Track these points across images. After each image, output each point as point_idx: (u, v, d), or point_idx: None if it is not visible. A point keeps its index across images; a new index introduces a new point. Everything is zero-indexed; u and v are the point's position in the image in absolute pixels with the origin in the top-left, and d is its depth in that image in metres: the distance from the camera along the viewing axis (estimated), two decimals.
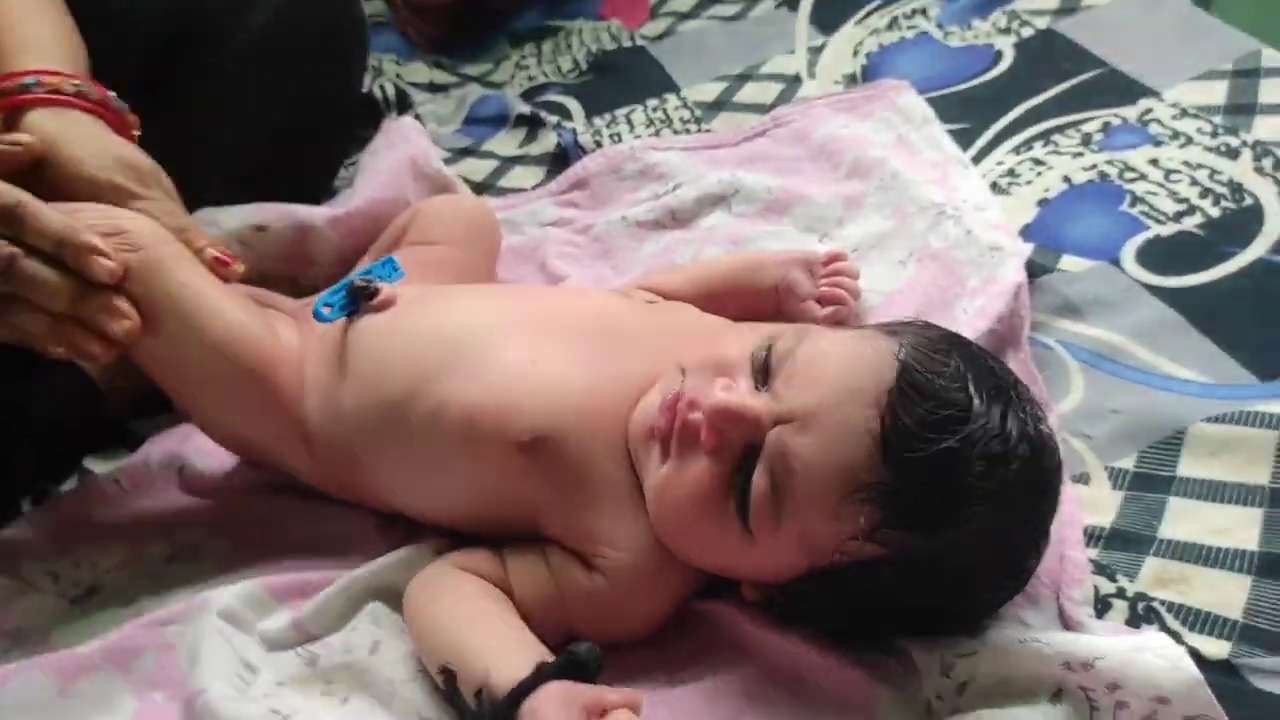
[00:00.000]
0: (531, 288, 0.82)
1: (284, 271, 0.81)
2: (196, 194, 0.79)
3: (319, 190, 0.95)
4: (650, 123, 1.04)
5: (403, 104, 1.08)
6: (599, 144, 1.00)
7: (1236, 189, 0.79)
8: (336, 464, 0.63)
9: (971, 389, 0.49)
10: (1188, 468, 0.61)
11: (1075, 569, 0.56)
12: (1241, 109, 0.86)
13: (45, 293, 0.56)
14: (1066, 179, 0.84)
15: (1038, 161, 0.87)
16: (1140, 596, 0.55)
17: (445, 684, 0.51)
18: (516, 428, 0.56)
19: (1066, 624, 0.53)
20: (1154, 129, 0.87)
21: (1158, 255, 0.75)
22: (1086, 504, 0.61)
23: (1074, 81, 0.94)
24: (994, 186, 0.85)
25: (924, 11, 1.10)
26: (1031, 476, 0.49)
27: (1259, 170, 0.80)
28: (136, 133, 0.66)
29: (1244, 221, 0.76)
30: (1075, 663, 0.47)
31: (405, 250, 0.76)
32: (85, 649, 0.55)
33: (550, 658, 0.49)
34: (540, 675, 0.47)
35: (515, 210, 0.94)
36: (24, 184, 0.57)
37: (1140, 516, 0.59)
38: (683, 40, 1.17)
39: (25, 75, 0.62)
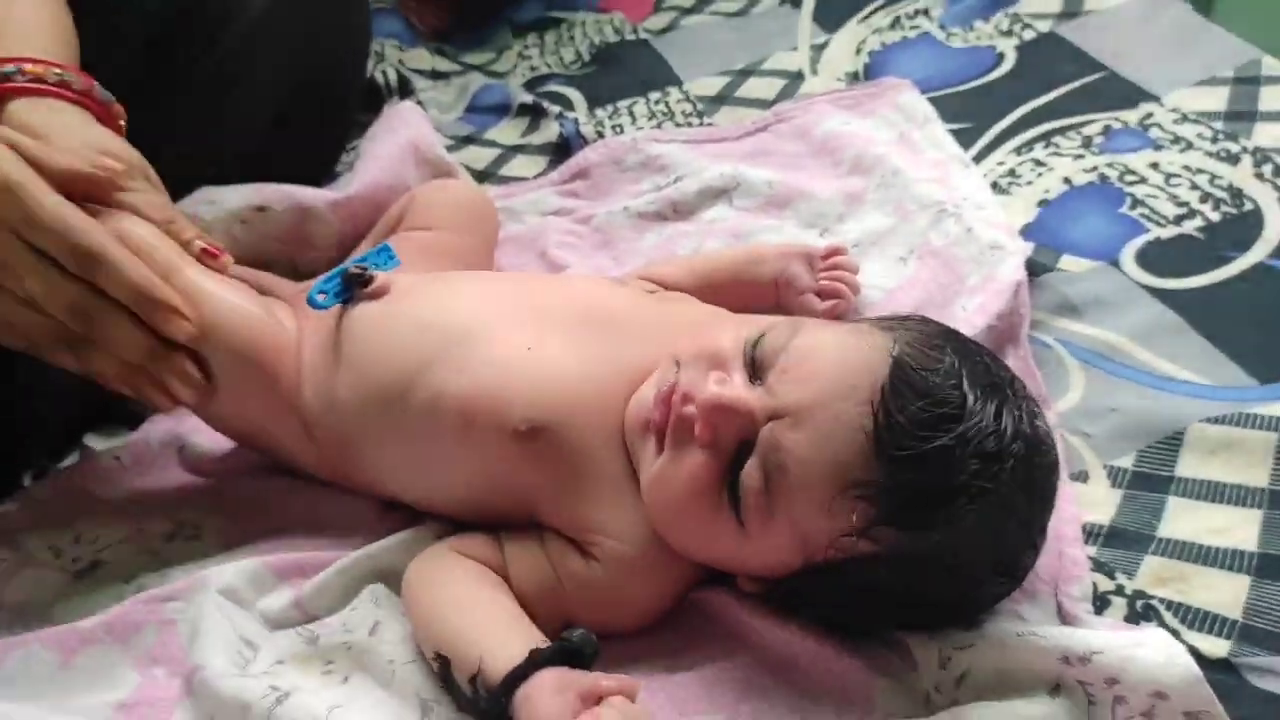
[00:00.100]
0: (527, 275, 0.82)
1: (283, 254, 0.80)
2: (197, 177, 0.79)
3: (320, 175, 0.95)
4: (652, 115, 1.04)
5: (404, 90, 1.08)
6: (600, 135, 1.00)
7: (1236, 194, 0.79)
8: (334, 451, 0.63)
9: (966, 386, 0.49)
10: (1187, 468, 0.61)
11: (1074, 566, 0.56)
12: (1242, 115, 0.87)
13: (120, 346, 0.57)
14: (1067, 180, 0.84)
15: (1038, 162, 0.87)
16: (1139, 594, 0.55)
17: (440, 671, 0.51)
18: (513, 417, 0.56)
19: (1065, 620, 0.54)
20: (1154, 133, 0.87)
21: (1157, 257, 0.76)
22: (1085, 502, 0.61)
23: (1075, 85, 0.95)
24: (995, 186, 0.85)
25: (926, 12, 1.10)
26: (1027, 474, 0.49)
27: (1259, 176, 0.80)
28: (123, 123, 0.65)
29: (1244, 226, 0.77)
30: (1073, 657, 0.47)
31: (401, 236, 0.76)
32: (87, 623, 0.55)
33: (546, 644, 0.49)
34: (534, 662, 0.47)
35: (516, 199, 0.94)
36: None
37: (1139, 515, 0.60)
38: (685, 35, 1.17)
39: (6, 63, 0.61)
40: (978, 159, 0.89)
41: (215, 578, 0.56)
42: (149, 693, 0.53)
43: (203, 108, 0.81)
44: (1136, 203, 0.80)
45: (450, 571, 0.55)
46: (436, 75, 1.16)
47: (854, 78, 1.04)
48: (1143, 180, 0.82)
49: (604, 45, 1.17)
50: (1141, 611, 0.54)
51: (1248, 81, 0.90)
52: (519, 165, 1.00)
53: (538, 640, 0.50)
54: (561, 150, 1.00)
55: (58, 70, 0.62)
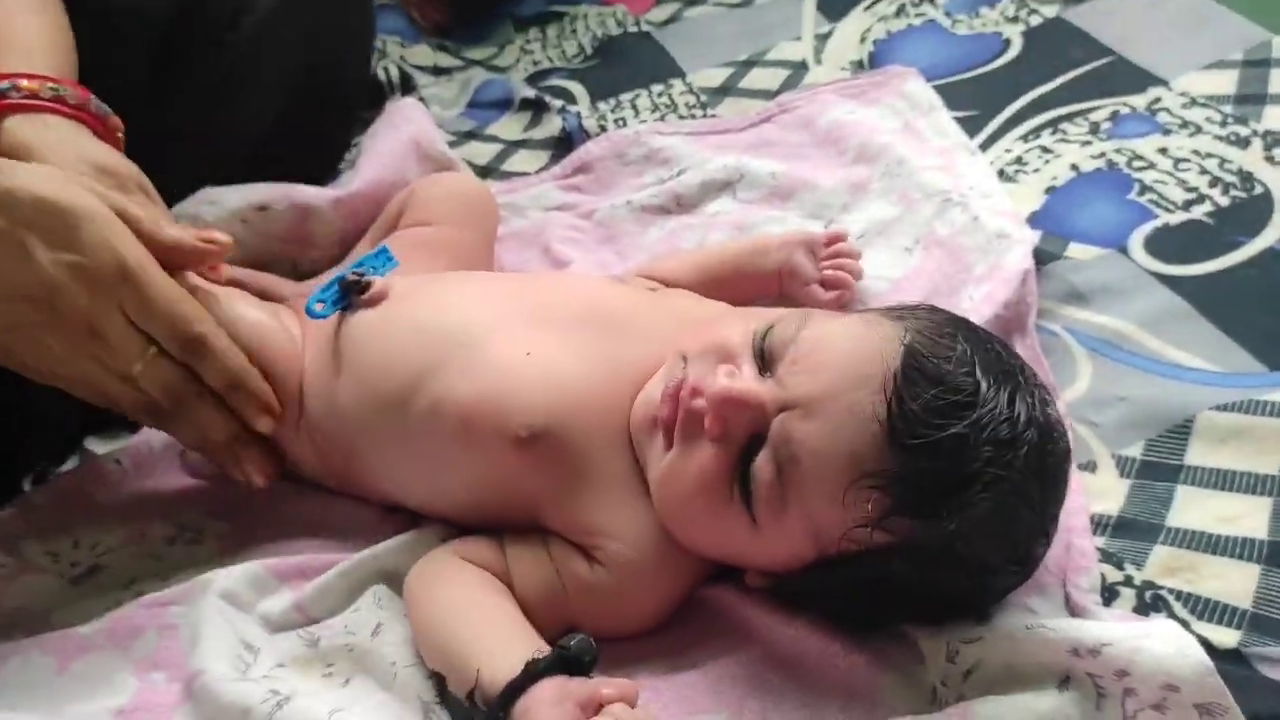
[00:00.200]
0: (526, 276, 0.82)
1: (285, 253, 0.80)
2: (202, 177, 0.79)
3: (324, 173, 0.94)
4: (655, 108, 1.04)
5: (406, 86, 1.08)
6: (603, 128, 0.99)
7: (1246, 178, 0.78)
8: (336, 457, 0.62)
9: (979, 373, 0.48)
10: (1196, 456, 0.60)
11: (1082, 557, 0.56)
12: (1251, 99, 0.85)
13: (205, 427, 0.59)
14: (1074, 167, 0.83)
15: (1045, 149, 0.86)
16: (1148, 585, 0.54)
17: (436, 686, 0.51)
18: (514, 423, 0.55)
19: (1073, 612, 0.53)
20: (1163, 118, 0.86)
21: (1166, 244, 0.75)
22: (1093, 492, 0.60)
23: (1082, 70, 0.94)
24: (1001, 174, 0.84)
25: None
26: (1040, 461, 0.49)
27: (1269, 160, 0.79)
28: (121, 135, 0.65)
29: (1254, 211, 0.75)
30: (1083, 649, 0.47)
31: (401, 233, 0.75)
32: (86, 629, 0.55)
33: (544, 653, 0.48)
34: (531, 673, 0.47)
35: (518, 194, 0.93)
36: None
37: (1148, 505, 0.59)
38: (688, 26, 1.16)
39: (1, 79, 0.61)
40: (984, 146, 0.88)
41: (215, 581, 0.56)
42: (148, 698, 0.52)
43: (207, 109, 0.81)
44: (1145, 189, 0.79)
45: (450, 578, 0.54)
46: (438, 71, 1.16)
47: (859, 67, 1.03)
48: (1151, 166, 0.81)
49: (606, 38, 1.16)
50: (1150, 602, 0.53)
51: (1257, 64, 0.89)
52: (521, 160, 1.00)
53: (538, 648, 0.49)
54: (564, 145, 0.99)
55: (53, 85, 0.61)
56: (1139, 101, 0.88)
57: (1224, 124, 0.84)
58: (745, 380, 0.51)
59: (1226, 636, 0.51)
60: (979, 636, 0.49)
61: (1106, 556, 0.56)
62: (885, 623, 0.52)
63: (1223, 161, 0.80)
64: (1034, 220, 0.79)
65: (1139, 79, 0.91)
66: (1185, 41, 0.93)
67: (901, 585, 0.49)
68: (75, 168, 0.59)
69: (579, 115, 1.01)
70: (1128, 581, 0.55)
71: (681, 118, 1.01)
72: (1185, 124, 0.85)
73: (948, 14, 1.06)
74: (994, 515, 0.47)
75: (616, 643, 0.54)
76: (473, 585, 0.54)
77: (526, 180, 0.96)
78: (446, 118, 1.06)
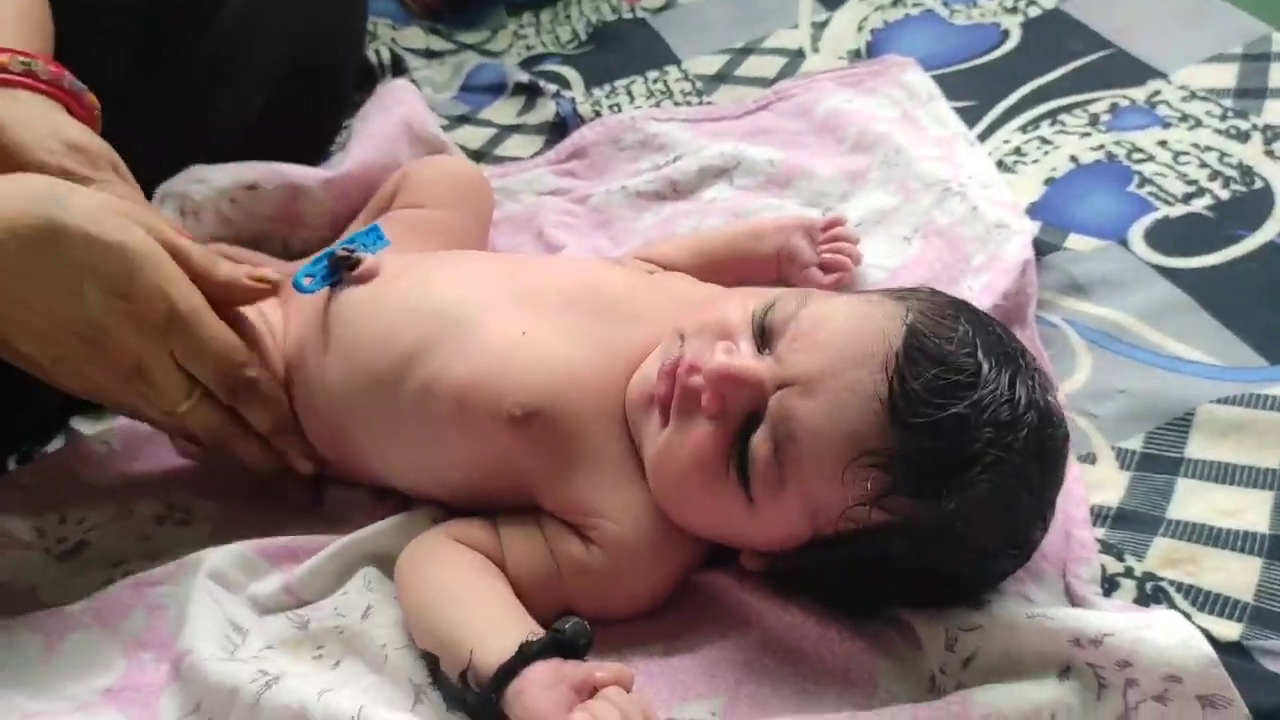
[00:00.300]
0: (520, 256, 0.81)
1: (274, 232, 0.79)
2: (191, 159, 0.77)
3: (315, 156, 0.93)
4: (650, 94, 1.03)
5: (398, 69, 1.06)
6: (598, 114, 0.98)
7: (1246, 172, 0.78)
8: (325, 438, 0.61)
9: (980, 355, 0.48)
10: (1196, 449, 0.60)
11: (1082, 548, 0.55)
12: (1251, 93, 0.85)
13: (245, 463, 0.60)
14: (1074, 159, 0.83)
15: (1044, 140, 0.85)
16: (1148, 576, 0.54)
17: (429, 667, 0.50)
18: (508, 403, 0.54)
19: (1073, 602, 0.53)
20: (1162, 111, 0.86)
21: (1166, 236, 0.74)
22: (1093, 483, 0.60)
23: (1081, 62, 0.93)
24: (1000, 165, 0.84)
25: None
26: (1040, 445, 0.48)
27: (1269, 154, 0.79)
28: (97, 113, 0.63)
29: (1254, 205, 0.75)
30: (1084, 639, 0.46)
31: (394, 214, 0.74)
32: (74, 607, 0.54)
33: (540, 634, 0.48)
34: (525, 656, 0.46)
35: (512, 178, 0.92)
36: None
37: (1148, 497, 0.58)
38: (684, 13, 1.15)
39: None
40: (982, 137, 0.87)
41: (205, 562, 0.55)
42: (136, 678, 0.52)
43: (193, 95, 0.80)
44: (1144, 181, 0.79)
45: (443, 560, 0.54)
46: (430, 54, 1.14)
47: (856, 56, 1.02)
48: (1151, 158, 0.81)
49: (601, 24, 1.15)
50: (1151, 593, 0.53)
51: (1257, 58, 0.89)
52: (515, 145, 0.99)
53: (531, 631, 0.48)
54: (558, 130, 0.98)
55: (24, 59, 0.60)
56: (1138, 94, 0.88)
57: (1224, 118, 0.83)
58: (743, 357, 0.51)
59: (1228, 629, 0.51)
60: (978, 624, 0.49)
61: (1106, 548, 0.56)
62: (881, 605, 0.52)
63: (1222, 155, 0.80)
64: (1033, 211, 0.78)
65: (1138, 71, 0.90)
66: (1185, 34, 0.93)
67: (898, 566, 0.48)
68: (46, 144, 0.57)
69: (573, 101, 1.00)
70: (1128, 573, 0.54)
71: (677, 105, 1.00)
72: (1185, 117, 0.84)
73: (945, 4, 1.06)
74: (993, 496, 0.47)
75: (611, 626, 0.53)
76: (465, 567, 0.53)
77: (520, 165, 0.95)
78: (439, 101, 1.05)
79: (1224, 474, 0.58)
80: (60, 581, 0.58)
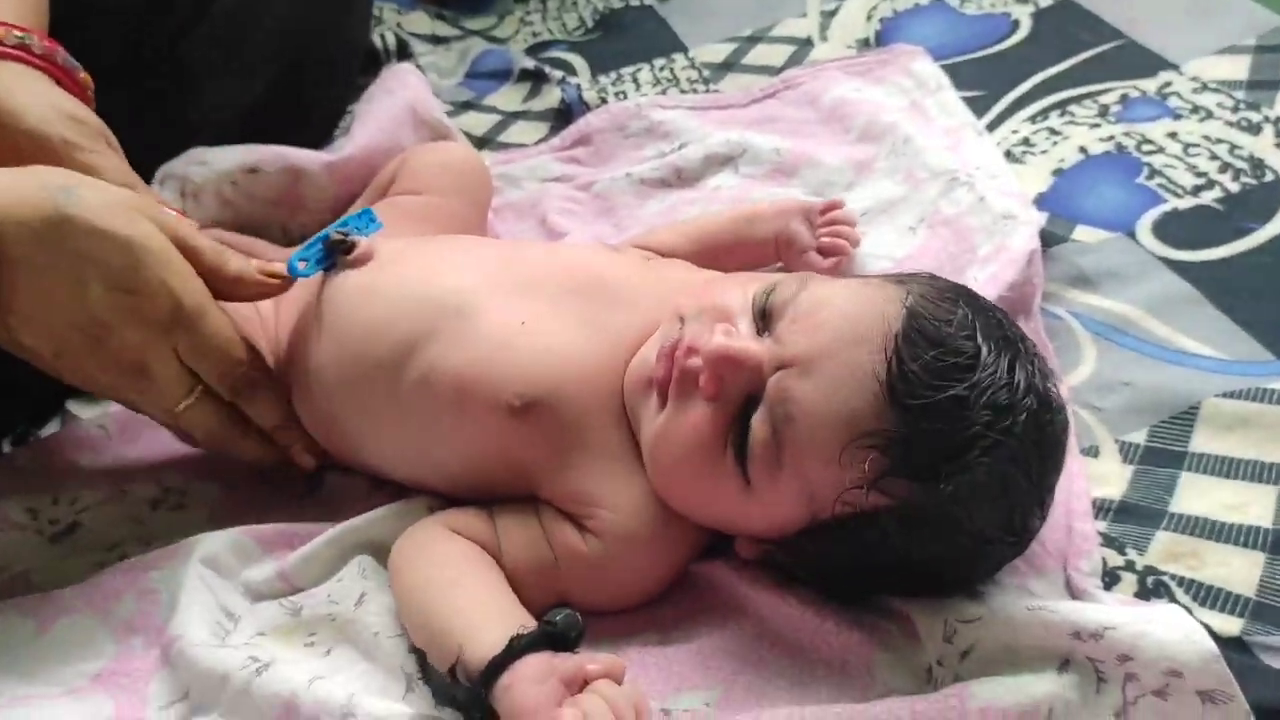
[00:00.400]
0: (519, 242, 0.80)
1: (275, 216, 0.78)
2: (192, 143, 0.77)
3: (319, 141, 0.92)
4: (657, 82, 1.02)
5: (403, 54, 1.05)
6: (604, 101, 0.98)
7: (1257, 165, 0.77)
8: (317, 425, 0.61)
9: (979, 338, 0.47)
10: (1201, 443, 0.59)
11: (1083, 540, 0.54)
12: (1263, 85, 0.84)
13: (245, 457, 0.60)
14: (1083, 149, 0.82)
15: (1053, 131, 0.85)
16: (1150, 570, 0.53)
17: (418, 662, 0.49)
18: (508, 392, 0.54)
19: (1074, 595, 0.52)
20: (1173, 102, 0.85)
21: (1174, 229, 0.73)
22: (1095, 477, 0.59)
23: (1092, 52, 0.92)
24: (1008, 155, 0.83)
25: None
26: (1038, 430, 0.48)
27: None
28: (90, 91, 0.63)
29: (1264, 197, 0.74)
30: (1084, 633, 0.46)
31: (390, 200, 0.74)
32: (65, 591, 0.53)
33: (531, 626, 0.47)
34: (514, 649, 0.45)
35: (515, 165, 0.92)
36: None
37: (1151, 490, 0.58)
38: (691, 1, 1.14)
39: None
40: (991, 127, 0.86)
41: (198, 547, 0.54)
42: (126, 663, 0.51)
43: (198, 73, 0.79)
44: (1154, 173, 0.78)
45: (436, 550, 0.53)
46: (436, 40, 1.13)
47: (865, 44, 1.01)
48: (1160, 150, 0.80)
49: (608, 11, 1.14)
50: (1152, 588, 0.52)
51: (1270, 50, 0.87)
52: (519, 131, 0.98)
53: (523, 624, 0.47)
54: (563, 117, 0.97)
55: (18, 34, 0.59)
56: (1149, 85, 0.87)
57: (1235, 110, 0.82)
58: (742, 338, 0.50)
59: (1229, 624, 0.50)
60: (977, 616, 0.48)
61: (1108, 541, 0.55)
62: (878, 592, 0.51)
63: (1233, 147, 0.79)
64: (1041, 202, 0.78)
65: (1150, 62, 0.89)
66: (1197, 26, 0.92)
67: (895, 551, 0.48)
68: (44, 113, 0.57)
69: (579, 87, 0.99)
70: (1129, 566, 0.54)
71: (683, 92, 0.99)
72: (1196, 109, 0.83)
73: None
74: (991, 480, 0.46)
75: (606, 617, 0.53)
76: (459, 557, 0.52)
77: (524, 151, 0.94)
78: (444, 87, 1.04)
79: (1228, 468, 0.58)
80: (53, 565, 0.58)
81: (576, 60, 1.08)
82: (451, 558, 0.52)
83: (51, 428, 0.68)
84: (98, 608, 0.53)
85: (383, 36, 1.06)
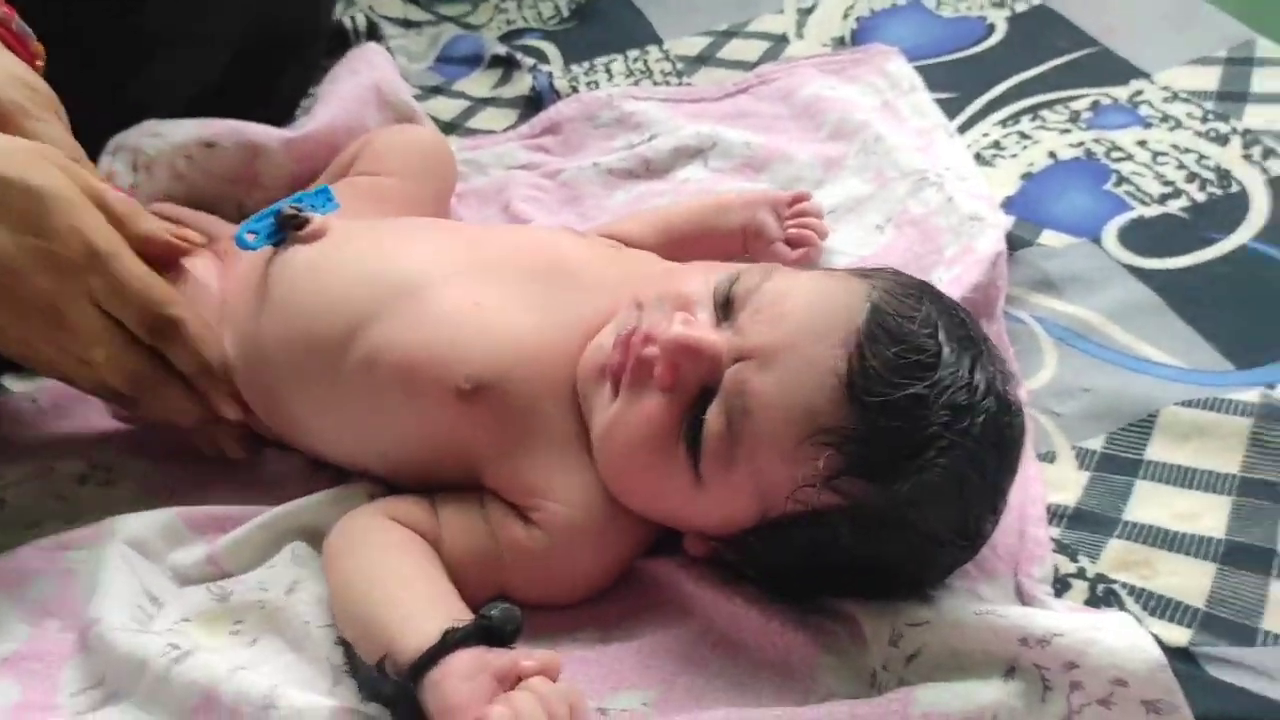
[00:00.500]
0: (479, 226, 0.78)
1: (230, 193, 0.77)
2: (145, 117, 0.75)
3: (278, 122, 0.90)
4: (630, 73, 1.01)
5: (374, 36, 1.03)
6: (575, 90, 0.96)
7: (1224, 175, 0.77)
8: (258, 402, 0.59)
9: (942, 337, 0.46)
10: (1157, 451, 0.59)
11: (1036, 546, 0.54)
12: (1233, 96, 0.84)
13: (170, 412, 0.57)
14: (1052, 154, 0.81)
15: (1024, 135, 0.84)
16: (1100, 578, 0.52)
17: (344, 655, 0.48)
18: (458, 374, 0.52)
19: (1024, 601, 0.51)
20: (1144, 110, 0.84)
21: (1140, 236, 0.73)
22: (1051, 482, 0.58)
23: (1065, 59, 0.92)
24: (978, 158, 0.82)
25: None
26: (996, 433, 0.47)
27: (1247, 158, 0.78)
28: (40, 63, 0.61)
29: (1230, 208, 0.74)
30: (1032, 639, 0.45)
31: (350, 180, 0.72)
32: None
33: (467, 619, 0.45)
34: (447, 643, 0.44)
35: (482, 151, 0.90)
36: None
37: (1106, 498, 0.57)
38: None
39: None
40: (962, 129, 0.86)
41: (123, 527, 0.52)
42: (39, 646, 0.49)
43: (154, 42, 0.77)
44: (1122, 180, 0.78)
45: (373, 538, 0.51)
46: (408, 24, 1.12)
47: (840, 43, 1.01)
48: (1129, 157, 0.80)
49: (584, 0, 1.13)
50: (1102, 596, 0.52)
51: (1240, 63, 0.88)
52: (488, 118, 0.96)
53: (456, 617, 0.45)
54: (533, 104, 0.96)
55: None
56: (1121, 93, 0.87)
57: (1205, 120, 0.82)
58: (701, 328, 0.49)
59: (1178, 634, 0.49)
60: (925, 620, 0.47)
61: (1061, 547, 0.54)
62: (826, 593, 0.50)
63: (1201, 157, 0.79)
64: (1009, 205, 0.77)
65: (1122, 70, 0.89)
66: (1170, 36, 0.92)
67: (845, 552, 0.47)
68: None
69: (550, 75, 0.98)
70: (1080, 574, 0.53)
71: (656, 85, 0.98)
72: (1166, 118, 0.83)
73: None
74: (947, 482, 0.45)
75: (547, 613, 0.51)
76: (396, 546, 0.50)
77: (492, 138, 0.93)
78: (413, 71, 1.03)
79: (1183, 477, 0.57)
80: None
81: (549, 49, 1.06)
82: (389, 546, 0.50)
83: None
84: (10, 587, 0.51)
85: (353, 18, 1.04)
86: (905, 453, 0.45)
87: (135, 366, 0.55)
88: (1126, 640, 0.44)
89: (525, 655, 0.44)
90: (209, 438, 0.59)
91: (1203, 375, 0.63)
